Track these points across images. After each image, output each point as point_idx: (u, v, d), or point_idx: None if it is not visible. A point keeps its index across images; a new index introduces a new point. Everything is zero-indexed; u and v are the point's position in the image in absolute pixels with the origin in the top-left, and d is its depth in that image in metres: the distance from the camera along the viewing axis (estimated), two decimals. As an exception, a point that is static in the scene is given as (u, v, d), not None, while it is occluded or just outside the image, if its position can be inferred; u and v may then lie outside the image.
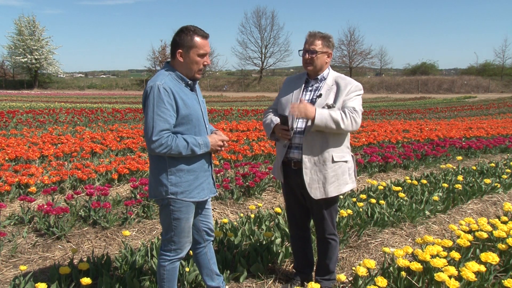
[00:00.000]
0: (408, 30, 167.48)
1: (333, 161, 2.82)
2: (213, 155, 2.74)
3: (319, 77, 2.90)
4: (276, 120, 2.89)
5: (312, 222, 3.28)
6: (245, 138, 9.70)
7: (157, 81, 2.42)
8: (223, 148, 2.64)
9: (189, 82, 2.54)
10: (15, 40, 56.23)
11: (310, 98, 2.89)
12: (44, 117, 14.48)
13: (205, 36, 2.48)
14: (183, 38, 2.44)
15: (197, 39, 2.45)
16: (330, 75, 2.91)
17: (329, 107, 2.76)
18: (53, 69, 58.48)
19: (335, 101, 2.79)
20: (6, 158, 6.79)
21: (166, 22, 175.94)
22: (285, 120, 2.80)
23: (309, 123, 2.76)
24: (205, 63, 2.52)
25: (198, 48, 2.45)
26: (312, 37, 2.83)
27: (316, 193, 2.83)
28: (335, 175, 2.84)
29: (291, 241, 3.29)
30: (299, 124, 2.85)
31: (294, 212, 3.13)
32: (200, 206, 2.71)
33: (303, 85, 2.94)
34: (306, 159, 2.80)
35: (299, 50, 2.91)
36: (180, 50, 2.46)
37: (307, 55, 2.83)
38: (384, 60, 70.66)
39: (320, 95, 2.83)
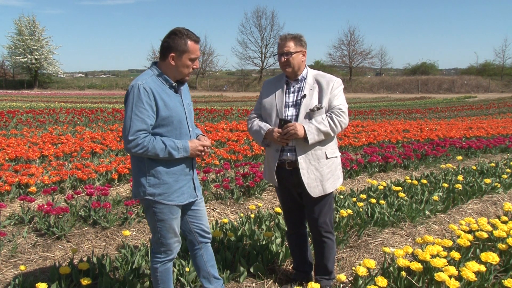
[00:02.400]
0: (408, 30, 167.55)
1: (327, 158, 2.88)
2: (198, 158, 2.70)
3: (299, 77, 2.93)
4: (266, 125, 2.90)
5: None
6: (245, 138, 9.69)
7: (138, 80, 2.40)
8: (204, 154, 2.59)
9: (173, 84, 2.51)
10: (15, 40, 56.27)
11: (295, 99, 2.91)
12: (44, 117, 14.48)
13: (197, 40, 2.47)
14: (176, 42, 2.41)
15: (190, 43, 2.43)
16: (309, 74, 2.94)
17: (318, 108, 2.80)
18: (53, 69, 58.51)
19: (320, 100, 2.83)
20: (6, 158, 6.79)
21: (166, 22, 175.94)
22: (286, 123, 2.77)
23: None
24: (194, 67, 2.51)
25: (190, 52, 2.44)
26: (284, 40, 2.87)
27: (315, 191, 2.87)
28: (330, 171, 2.90)
29: (288, 241, 3.30)
30: None
31: (292, 211, 3.14)
32: (186, 208, 2.67)
33: (284, 86, 2.95)
34: (301, 159, 2.83)
35: (273, 55, 3.03)
36: (173, 54, 2.43)
37: (283, 58, 2.86)
38: (384, 60, 70.78)
39: (304, 96, 2.86)
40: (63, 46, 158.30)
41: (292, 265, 3.52)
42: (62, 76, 64.47)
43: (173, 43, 2.42)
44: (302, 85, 2.91)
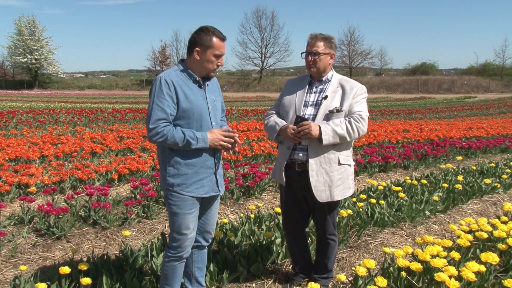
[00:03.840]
0: (408, 30, 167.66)
1: (339, 163, 2.81)
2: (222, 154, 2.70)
3: (323, 79, 2.89)
4: (281, 122, 2.87)
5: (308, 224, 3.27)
6: (245, 138, 9.70)
7: (162, 74, 2.51)
8: (230, 146, 2.57)
9: (197, 79, 2.56)
10: (15, 40, 56.25)
11: (315, 99, 2.86)
12: (44, 117, 14.48)
13: (223, 38, 2.53)
14: (202, 37, 2.49)
15: (215, 40, 2.50)
16: (334, 77, 2.90)
17: (337, 110, 2.75)
18: (53, 69, 58.48)
19: (341, 104, 2.78)
20: (6, 158, 6.79)
21: (166, 22, 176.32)
22: (302, 121, 2.74)
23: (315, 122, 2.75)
24: (219, 64, 2.58)
25: (215, 48, 2.50)
26: (314, 39, 2.82)
27: (321, 195, 2.80)
28: (341, 178, 2.83)
29: (288, 246, 3.25)
30: None
31: (293, 216, 3.08)
32: (203, 205, 2.68)
33: (307, 86, 2.92)
34: (312, 161, 2.78)
35: (301, 53, 2.90)
36: (198, 48, 2.50)
37: (309, 57, 2.82)
38: (384, 60, 70.84)
39: (326, 97, 2.81)
40: (63, 46, 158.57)
41: (292, 265, 3.53)
42: (62, 76, 64.43)
43: (199, 38, 2.50)
44: (325, 87, 2.87)
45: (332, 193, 2.81)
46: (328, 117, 2.76)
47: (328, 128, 2.70)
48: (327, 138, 2.69)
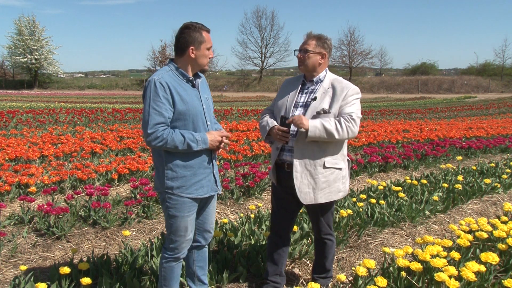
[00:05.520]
0: (408, 30, 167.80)
1: (325, 167, 2.77)
2: (217, 152, 2.72)
3: (314, 79, 2.87)
4: (272, 122, 2.86)
5: (295, 228, 3.24)
6: (245, 138, 9.70)
7: (155, 76, 2.47)
8: (225, 145, 2.61)
9: (190, 78, 2.55)
10: (15, 40, 56.23)
11: (305, 100, 2.85)
12: (44, 117, 14.48)
13: (209, 30, 2.57)
14: (193, 35, 2.49)
15: (205, 34, 2.52)
16: (327, 77, 2.87)
17: (324, 112, 2.72)
18: (53, 69, 58.47)
19: (330, 105, 2.74)
20: (6, 158, 6.79)
21: (166, 22, 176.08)
22: (286, 121, 2.73)
23: (302, 129, 2.71)
24: (211, 56, 2.60)
25: (207, 42, 2.53)
26: (307, 37, 2.84)
27: (305, 197, 2.78)
28: (326, 181, 2.78)
29: (268, 246, 3.13)
30: (292, 127, 2.76)
31: (282, 214, 3.03)
32: (201, 205, 2.68)
33: (299, 87, 2.91)
34: (297, 162, 2.76)
35: (294, 50, 2.91)
36: (192, 47, 2.50)
37: (298, 54, 2.84)
38: (384, 60, 70.75)
39: (315, 98, 2.79)
40: (63, 46, 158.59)
41: (292, 265, 3.53)
42: (62, 76, 64.42)
43: (189, 37, 2.49)
44: (316, 87, 2.85)
45: (316, 195, 2.77)
46: (315, 118, 2.73)
47: (317, 121, 2.67)
48: (313, 130, 2.64)
